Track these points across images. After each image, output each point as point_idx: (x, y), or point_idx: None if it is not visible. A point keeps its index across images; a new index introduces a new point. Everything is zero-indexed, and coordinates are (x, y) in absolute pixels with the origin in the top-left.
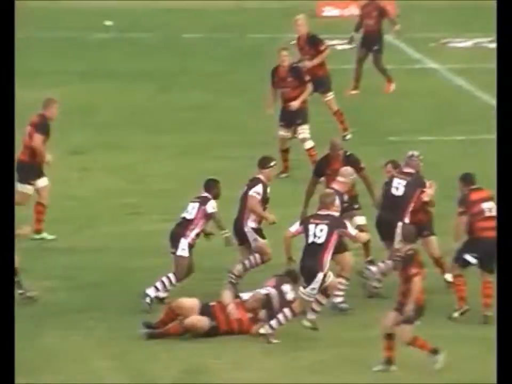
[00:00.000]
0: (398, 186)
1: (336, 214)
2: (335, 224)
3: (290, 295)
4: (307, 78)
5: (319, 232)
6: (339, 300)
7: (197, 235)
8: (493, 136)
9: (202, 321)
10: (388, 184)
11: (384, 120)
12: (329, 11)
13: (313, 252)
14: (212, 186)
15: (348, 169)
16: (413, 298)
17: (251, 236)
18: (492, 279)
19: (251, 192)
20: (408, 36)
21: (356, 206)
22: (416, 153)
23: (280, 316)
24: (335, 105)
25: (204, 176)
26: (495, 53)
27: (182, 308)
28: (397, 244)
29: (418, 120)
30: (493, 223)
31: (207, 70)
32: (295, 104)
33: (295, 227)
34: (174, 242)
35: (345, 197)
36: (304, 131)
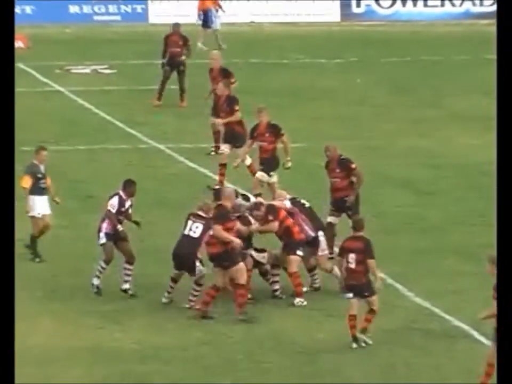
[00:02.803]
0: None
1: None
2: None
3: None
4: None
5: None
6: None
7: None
8: (111, 146)
9: None
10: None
11: (18, 134)
12: None
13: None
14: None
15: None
16: None
17: None
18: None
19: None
20: (37, 64)
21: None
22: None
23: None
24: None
25: None
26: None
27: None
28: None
29: (48, 132)
30: None
31: None
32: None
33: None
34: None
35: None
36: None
